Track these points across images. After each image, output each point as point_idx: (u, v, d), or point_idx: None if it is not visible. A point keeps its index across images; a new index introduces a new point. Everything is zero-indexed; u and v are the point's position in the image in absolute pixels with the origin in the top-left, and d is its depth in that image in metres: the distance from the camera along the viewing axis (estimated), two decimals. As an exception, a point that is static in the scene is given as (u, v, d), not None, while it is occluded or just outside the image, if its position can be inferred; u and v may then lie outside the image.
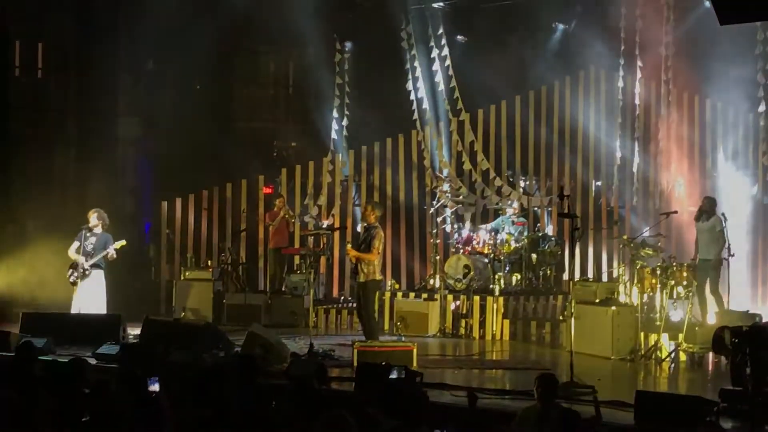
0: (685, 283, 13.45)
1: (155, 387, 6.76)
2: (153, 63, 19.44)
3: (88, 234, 14.66)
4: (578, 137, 18.45)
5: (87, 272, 14.57)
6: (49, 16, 18.38)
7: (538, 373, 8.32)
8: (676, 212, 15.97)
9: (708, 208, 14.52)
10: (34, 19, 18.40)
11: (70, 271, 14.66)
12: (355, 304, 14.90)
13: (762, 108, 16.92)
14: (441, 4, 18.77)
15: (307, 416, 6.96)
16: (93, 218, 14.72)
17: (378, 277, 13.14)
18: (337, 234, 18.10)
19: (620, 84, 17.95)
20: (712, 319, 13.96)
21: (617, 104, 18.13)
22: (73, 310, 14.66)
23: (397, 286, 17.38)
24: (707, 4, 15.56)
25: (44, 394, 7.06)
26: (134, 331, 14.29)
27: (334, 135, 19.72)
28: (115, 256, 14.65)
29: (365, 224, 13.29)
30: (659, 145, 17.70)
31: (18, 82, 19.42)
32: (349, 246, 13.00)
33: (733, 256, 14.12)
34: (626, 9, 17.40)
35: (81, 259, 14.48)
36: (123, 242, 14.78)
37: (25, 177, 18.44)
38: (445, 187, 17.49)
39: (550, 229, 17.96)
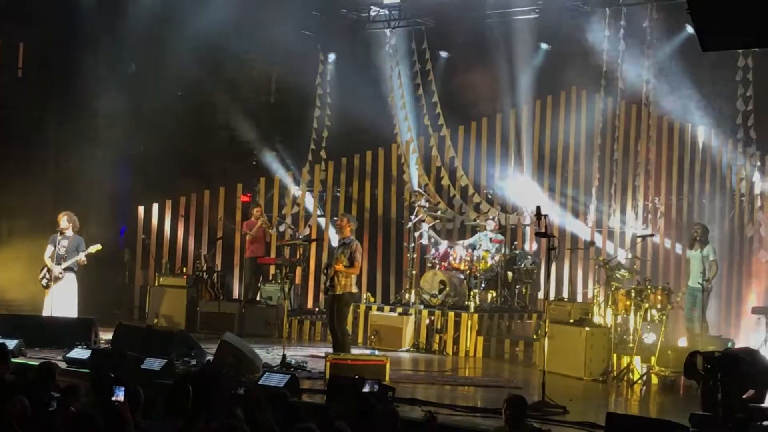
0: (659, 306, 13.50)
1: (120, 396, 6.68)
2: (134, 67, 19.38)
3: (60, 237, 14.61)
4: (558, 157, 18.49)
5: (59, 275, 14.50)
6: (31, 17, 18.29)
7: (507, 395, 8.30)
8: (653, 235, 16.07)
9: (701, 237, 14.56)
10: (15, 19, 18.29)
11: (43, 273, 14.60)
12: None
13: (740, 134, 17.02)
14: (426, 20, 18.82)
15: (281, 428, 6.93)
16: (63, 221, 14.68)
17: (354, 290, 13.14)
18: (313, 245, 18.06)
19: (601, 105, 18.01)
20: (683, 343, 14.02)
21: (597, 125, 18.18)
22: (45, 313, 14.58)
23: (372, 300, 17.36)
24: (690, 29, 15.63)
25: (17, 397, 6.97)
26: (106, 335, 14.20)
27: (313, 145, 19.71)
28: (85, 261, 14.58)
29: (341, 237, 13.25)
30: (637, 167, 17.76)
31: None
32: (339, 265, 12.93)
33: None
34: (609, 31, 17.47)
35: (53, 263, 14.42)
36: (98, 246, 14.73)
37: (1, 176, 18.32)
38: (423, 202, 17.50)
39: (527, 246, 17.96)
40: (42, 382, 8.07)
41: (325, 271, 13.29)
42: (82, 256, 14.52)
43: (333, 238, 17.62)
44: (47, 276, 14.59)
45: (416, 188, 18.53)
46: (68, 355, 12.55)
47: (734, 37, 7.92)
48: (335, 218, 16.60)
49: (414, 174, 19.03)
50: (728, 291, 16.78)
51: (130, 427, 6.50)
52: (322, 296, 18.55)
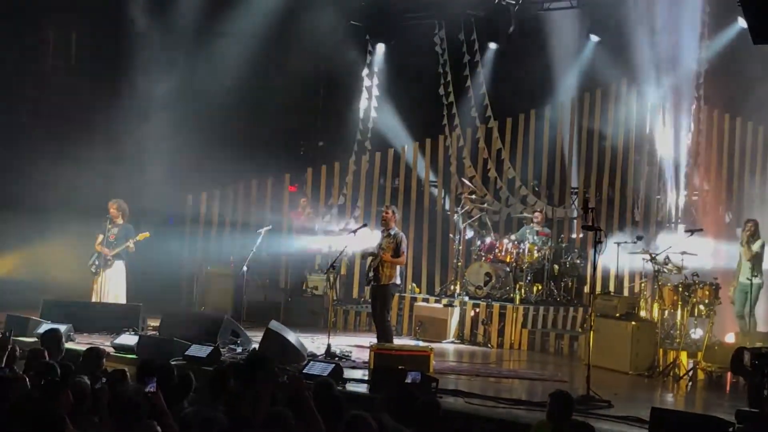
0: (706, 301, 13.39)
1: (152, 387, 6.75)
2: (184, 57, 19.51)
3: (110, 225, 14.81)
4: (607, 151, 18.35)
5: (109, 262, 14.69)
6: (83, 6, 18.50)
7: (552, 389, 8.26)
8: (701, 230, 15.86)
9: (755, 231, 14.42)
10: (68, 8, 18.51)
11: (92, 260, 14.80)
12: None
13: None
14: (475, 11, 18.73)
15: (324, 417, 6.97)
16: (113, 209, 14.87)
17: (398, 281, 13.18)
18: (359, 235, 18.06)
19: (650, 99, 17.83)
20: (731, 339, 13.88)
21: (646, 119, 18.01)
22: (94, 299, 14.78)
23: (418, 291, 17.37)
24: (742, 22, 15.44)
25: (64, 381, 7.10)
26: (154, 322, 14.35)
27: (359, 136, 19.73)
28: (133, 248, 14.74)
29: (385, 228, 13.27)
30: (689, 162, 17.57)
31: (51, 73, 19.60)
32: (387, 255, 13.01)
33: None
34: (660, 23, 17.27)
35: (104, 249, 14.63)
36: (146, 234, 14.91)
37: (53, 166, 18.53)
38: (471, 193, 17.45)
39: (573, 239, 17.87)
40: (89, 367, 8.18)
41: (369, 261, 13.30)
42: (130, 244, 14.70)
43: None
44: (97, 263, 14.78)
45: (463, 179, 18.48)
46: (116, 341, 12.71)
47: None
48: (381, 209, 16.63)
49: (462, 165, 18.97)
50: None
51: (166, 416, 6.55)
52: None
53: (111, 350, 12.24)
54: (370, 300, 13.99)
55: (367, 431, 6.04)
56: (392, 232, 13.15)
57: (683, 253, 14.27)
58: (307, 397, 6.99)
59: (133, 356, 12.00)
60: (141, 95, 18.26)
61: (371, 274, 13.15)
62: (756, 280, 13.98)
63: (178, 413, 7.02)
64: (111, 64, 18.97)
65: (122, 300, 14.86)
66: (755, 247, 14.26)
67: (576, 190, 18.57)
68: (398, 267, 13.14)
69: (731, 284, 14.64)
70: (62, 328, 11.98)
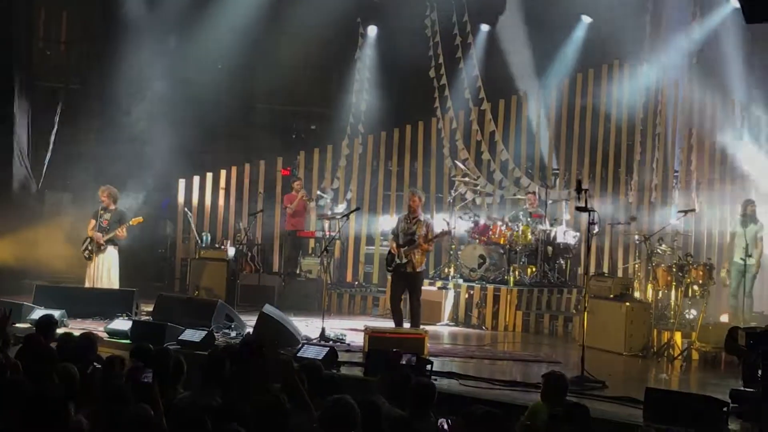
0: (700, 281, 13.40)
1: (148, 378, 6.71)
2: (175, 40, 19.44)
3: (102, 210, 14.76)
4: (599, 131, 18.33)
5: (102, 248, 14.65)
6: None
7: (546, 371, 8.26)
8: (694, 210, 15.89)
9: (752, 213, 14.44)
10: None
11: (85, 245, 14.76)
12: (376, 290, 15.07)
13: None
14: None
15: (317, 400, 6.96)
16: (104, 196, 14.83)
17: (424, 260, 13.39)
18: (353, 218, 18.07)
19: (643, 79, 17.81)
20: (725, 319, 13.91)
21: (640, 99, 17.98)
22: (87, 285, 14.75)
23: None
24: (734, 2, 15.41)
25: (63, 365, 7.07)
26: (147, 307, 14.33)
27: (352, 119, 19.70)
28: (125, 234, 14.71)
29: (411, 214, 13.31)
30: (681, 142, 17.57)
31: (42, 53, 19.51)
32: (425, 245, 13.13)
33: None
34: (653, 3, 17.25)
35: (97, 235, 14.59)
36: (140, 219, 14.89)
37: (44, 149, 18.50)
38: (464, 176, 17.42)
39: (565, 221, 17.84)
40: (83, 353, 8.15)
41: (403, 249, 13.26)
42: (119, 231, 14.66)
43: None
44: (90, 248, 14.75)
45: (456, 162, 18.45)
46: (109, 327, 12.67)
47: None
48: (387, 192, 16.67)
49: (455, 148, 18.95)
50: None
51: (158, 408, 6.49)
52: (361, 269, 18.64)
53: (105, 335, 12.21)
54: (391, 284, 13.91)
55: (348, 414, 5.99)
56: (422, 218, 13.26)
57: (684, 212, 14.42)
58: (296, 380, 6.98)
59: (127, 341, 11.97)
60: (133, 78, 18.18)
61: (404, 260, 13.16)
62: (750, 261, 14.01)
63: (172, 398, 7.00)
64: (102, 46, 18.89)
65: (116, 285, 14.83)
66: (754, 228, 14.26)
67: (560, 171, 18.53)
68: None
69: (723, 266, 14.65)
70: (56, 313, 11.94)
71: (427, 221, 13.32)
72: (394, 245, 13.33)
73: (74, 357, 7.81)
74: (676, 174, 17.69)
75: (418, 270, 13.21)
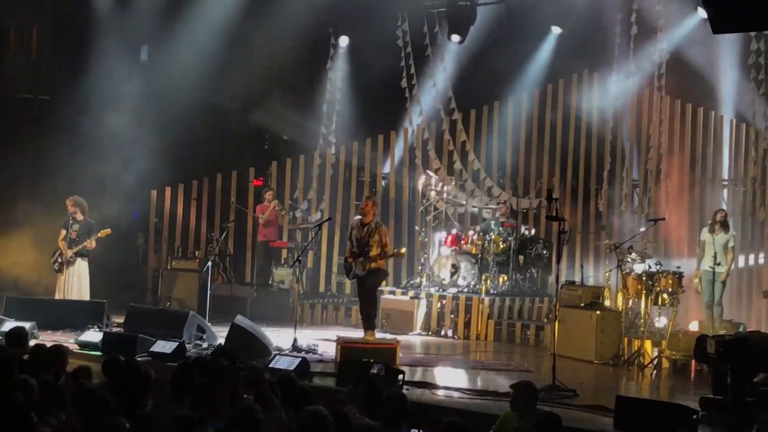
0: (670, 290, 13.48)
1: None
2: (147, 52, 19.40)
3: (72, 222, 14.72)
4: (569, 141, 18.42)
5: (71, 260, 14.60)
6: (43, 2, 18.38)
7: (518, 380, 8.31)
8: (664, 219, 16.01)
9: (723, 221, 14.50)
10: (28, 5, 18.36)
11: (55, 257, 14.70)
12: (348, 300, 15.19)
13: (753, 118, 16.91)
14: (437, 4, 18.74)
15: (290, 411, 6.97)
16: (71, 206, 14.78)
17: (384, 265, 13.31)
18: (325, 228, 18.08)
19: (612, 89, 17.93)
20: (695, 327, 14.01)
21: (610, 108, 18.08)
22: (57, 297, 14.68)
23: (384, 283, 17.36)
24: (701, 12, 15.55)
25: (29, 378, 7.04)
26: (118, 318, 14.27)
27: (324, 129, 19.72)
28: (94, 245, 14.66)
29: (362, 219, 13.28)
30: (650, 151, 17.69)
31: (12, 63, 19.42)
32: (381, 261, 13.13)
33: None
34: (621, 14, 17.38)
35: (66, 246, 14.54)
36: (107, 231, 14.85)
37: (15, 160, 18.38)
38: (435, 185, 17.46)
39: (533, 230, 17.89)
40: (53, 364, 8.12)
41: (360, 258, 13.24)
42: (88, 242, 14.61)
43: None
44: (60, 260, 14.70)
45: (427, 172, 18.50)
46: (80, 338, 12.64)
47: (744, 19, 7.88)
48: (358, 203, 16.67)
49: (426, 158, 19.00)
50: (739, 275, 16.71)
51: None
52: (333, 280, 18.64)
53: (75, 347, 12.16)
54: (358, 293, 13.86)
55: (322, 425, 6.01)
56: (374, 225, 13.22)
57: (654, 221, 14.54)
58: (266, 389, 6.98)
59: (98, 353, 11.93)
60: (104, 89, 18.12)
61: (362, 272, 13.19)
62: (719, 269, 14.10)
63: (142, 410, 6.98)
64: (72, 57, 18.82)
65: (86, 296, 14.77)
66: (724, 237, 14.34)
67: (531, 181, 18.62)
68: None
69: (695, 274, 14.72)
70: (26, 325, 11.89)
71: (380, 228, 13.26)
72: (350, 255, 13.35)
73: (45, 368, 7.79)
74: (635, 182, 17.78)
75: (373, 267, 13.19)
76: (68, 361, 8.56)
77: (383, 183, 19.40)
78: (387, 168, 19.40)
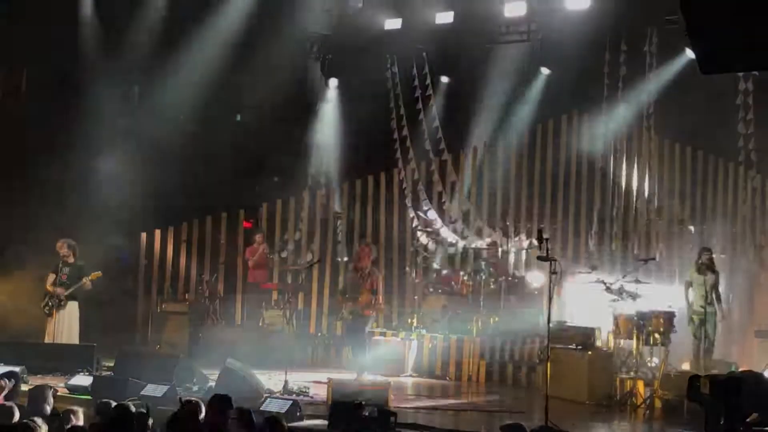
0: (662, 329, 13.46)
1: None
2: (138, 92, 19.43)
3: (62, 265, 14.68)
4: (559, 181, 18.47)
5: (62, 303, 14.53)
6: (34, 44, 18.36)
7: (509, 421, 8.26)
8: (654, 259, 16.03)
9: (710, 262, 14.48)
10: (19, 46, 18.37)
11: (45, 300, 14.64)
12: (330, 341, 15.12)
13: (742, 158, 16.98)
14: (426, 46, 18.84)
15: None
16: (63, 249, 14.75)
17: (372, 312, 13.31)
18: (315, 270, 18.05)
19: (601, 129, 18.01)
20: (687, 367, 13.96)
21: (599, 149, 18.15)
22: (47, 340, 14.59)
23: (375, 325, 17.31)
24: (689, 53, 15.66)
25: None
26: (108, 362, 14.18)
27: (313, 171, 19.73)
28: (90, 286, 14.62)
29: (357, 265, 13.34)
30: (640, 190, 17.73)
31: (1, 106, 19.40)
32: (370, 312, 13.24)
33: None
34: (609, 55, 17.50)
35: (57, 290, 14.47)
36: (98, 273, 14.80)
37: (6, 203, 18.32)
38: (426, 226, 17.48)
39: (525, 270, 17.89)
40: (35, 406, 8.08)
41: (350, 302, 13.32)
42: (86, 281, 14.57)
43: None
44: (50, 303, 14.63)
45: (418, 212, 18.51)
46: (70, 382, 12.55)
47: (733, 60, 7.92)
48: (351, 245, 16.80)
49: (417, 198, 19.02)
50: (730, 314, 16.69)
51: None
52: (325, 320, 18.58)
53: (65, 391, 12.07)
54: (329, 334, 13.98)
55: None
56: (368, 271, 13.28)
57: (644, 260, 14.49)
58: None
59: (88, 397, 11.84)
60: (93, 131, 18.11)
61: (348, 316, 13.26)
62: (710, 309, 14.10)
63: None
64: (61, 101, 18.81)
65: (75, 340, 14.69)
66: (712, 277, 14.33)
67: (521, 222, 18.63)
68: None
69: (690, 314, 14.64)
70: (16, 370, 11.80)
71: (373, 275, 13.36)
72: (341, 296, 13.46)
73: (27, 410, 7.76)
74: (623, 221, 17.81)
75: (362, 313, 13.33)
76: (53, 402, 8.51)
77: (374, 224, 19.37)
78: (377, 209, 19.38)
